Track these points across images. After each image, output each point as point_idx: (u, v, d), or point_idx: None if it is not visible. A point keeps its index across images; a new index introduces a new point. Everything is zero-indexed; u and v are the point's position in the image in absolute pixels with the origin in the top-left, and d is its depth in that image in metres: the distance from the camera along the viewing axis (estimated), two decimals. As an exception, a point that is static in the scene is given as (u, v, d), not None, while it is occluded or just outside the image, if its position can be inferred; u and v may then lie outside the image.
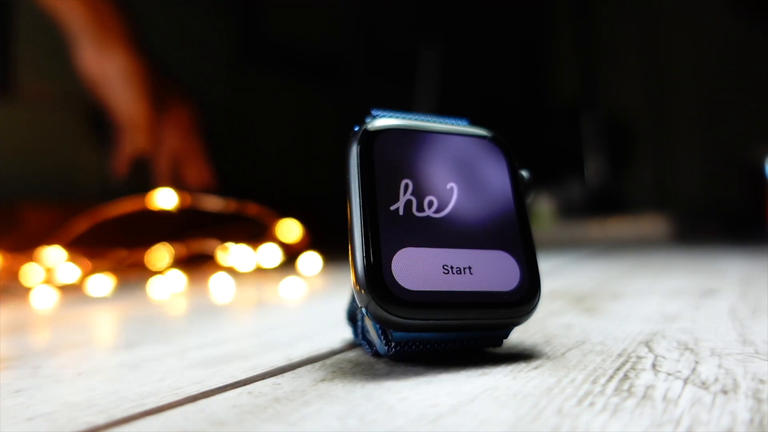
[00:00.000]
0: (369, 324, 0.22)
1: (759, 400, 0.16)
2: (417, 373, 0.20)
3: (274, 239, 0.69)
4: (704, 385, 0.17)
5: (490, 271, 0.21)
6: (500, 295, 0.21)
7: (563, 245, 1.00)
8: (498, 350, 0.23)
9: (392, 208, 0.21)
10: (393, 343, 0.21)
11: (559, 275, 0.53)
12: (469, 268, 0.21)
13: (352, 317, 0.26)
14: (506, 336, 0.22)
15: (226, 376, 0.21)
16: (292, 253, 0.68)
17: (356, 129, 0.23)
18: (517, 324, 0.22)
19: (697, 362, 0.20)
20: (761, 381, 0.17)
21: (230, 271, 0.62)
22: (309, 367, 0.22)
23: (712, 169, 1.37)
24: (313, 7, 1.27)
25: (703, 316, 0.28)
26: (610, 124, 1.39)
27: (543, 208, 1.17)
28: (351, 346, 0.25)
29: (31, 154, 0.82)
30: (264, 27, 1.17)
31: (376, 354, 0.23)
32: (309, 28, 1.27)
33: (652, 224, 1.05)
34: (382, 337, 0.21)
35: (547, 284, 0.45)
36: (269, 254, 0.66)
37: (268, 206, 0.69)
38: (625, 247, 0.88)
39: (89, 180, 0.88)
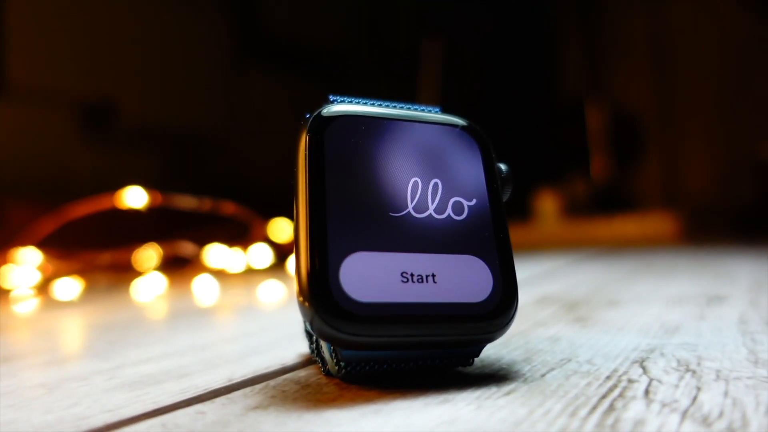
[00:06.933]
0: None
1: (774, 445, 0.12)
2: (367, 399, 0.17)
3: (265, 239, 0.66)
4: (706, 422, 0.14)
5: (458, 278, 0.18)
6: (469, 307, 0.18)
7: (567, 245, 0.97)
8: (468, 370, 0.20)
9: (344, 206, 0.18)
10: (343, 363, 0.18)
11: (554, 278, 0.50)
12: (433, 275, 0.18)
13: (309, 330, 0.23)
14: (477, 354, 0.19)
15: (147, 402, 0.18)
16: (283, 254, 0.66)
17: (307, 116, 0.20)
18: (489, 341, 0.19)
19: (699, 388, 0.17)
20: (776, 416, 0.14)
21: (218, 273, 0.59)
22: (247, 390, 0.19)
23: (721, 166, 1.33)
24: (313, 3, 1.25)
25: (709, 327, 0.25)
26: (617, 120, 1.35)
27: (548, 206, 1.14)
28: (306, 362, 0.23)
29: (22, 150, 0.80)
30: (263, 23, 1.15)
31: (328, 373, 0.20)
32: (309, 23, 1.24)
33: (659, 223, 1.01)
34: (333, 356, 0.18)
35: (539, 289, 0.42)
36: (259, 255, 0.64)
37: (265, 204, 0.66)
38: (629, 247, 0.85)
39: (81, 177, 0.85)
